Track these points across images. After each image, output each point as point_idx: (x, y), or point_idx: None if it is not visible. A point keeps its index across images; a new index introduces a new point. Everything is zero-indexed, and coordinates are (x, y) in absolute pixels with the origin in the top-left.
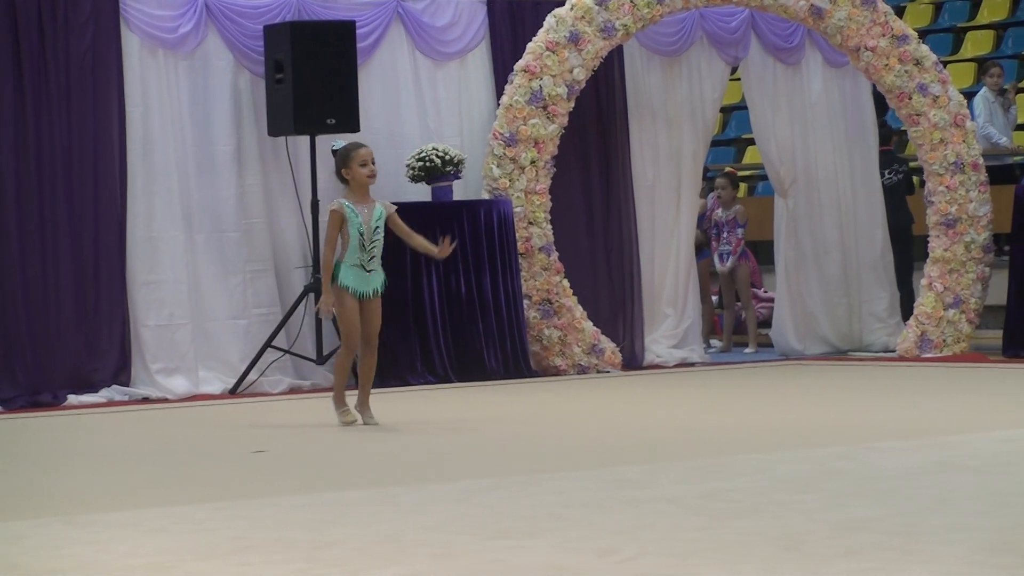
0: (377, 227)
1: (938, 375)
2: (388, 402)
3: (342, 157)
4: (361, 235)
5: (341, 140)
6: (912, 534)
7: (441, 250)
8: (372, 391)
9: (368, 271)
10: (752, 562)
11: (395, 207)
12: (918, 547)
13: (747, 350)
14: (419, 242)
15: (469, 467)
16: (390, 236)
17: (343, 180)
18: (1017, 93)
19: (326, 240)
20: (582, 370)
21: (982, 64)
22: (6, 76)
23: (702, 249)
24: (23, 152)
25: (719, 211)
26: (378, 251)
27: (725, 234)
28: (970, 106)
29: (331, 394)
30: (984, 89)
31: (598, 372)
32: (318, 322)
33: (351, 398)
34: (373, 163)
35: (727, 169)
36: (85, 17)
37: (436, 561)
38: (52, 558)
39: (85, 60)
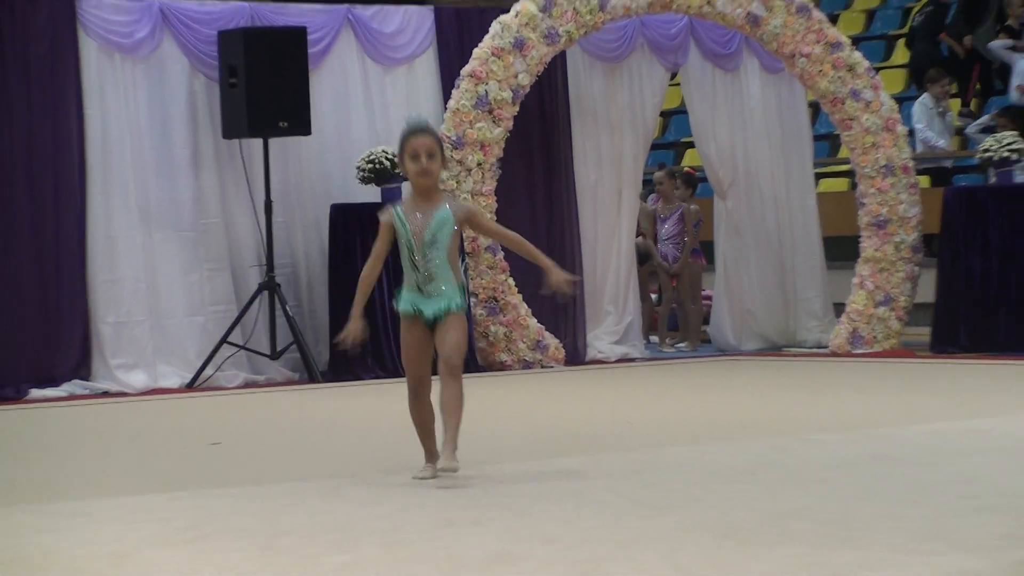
0: (434, 239)
1: (869, 370)
2: (341, 397)
3: (398, 146)
4: (410, 250)
5: (416, 116)
6: (844, 522)
7: (559, 283)
8: (336, 386)
9: (425, 295)
10: (691, 550)
11: (473, 208)
12: (850, 534)
13: (679, 344)
14: (527, 250)
15: (418, 459)
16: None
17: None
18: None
19: (371, 254)
20: (527, 365)
21: (915, 71)
22: None
23: (645, 258)
24: None
25: (659, 204)
26: (439, 269)
27: (667, 227)
28: (910, 111)
29: (283, 388)
30: (925, 96)
31: (542, 367)
32: (272, 319)
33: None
34: (429, 156)
35: (684, 168)
36: (43, 22)
37: (385, 549)
38: (15, 546)
39: (44, 64)
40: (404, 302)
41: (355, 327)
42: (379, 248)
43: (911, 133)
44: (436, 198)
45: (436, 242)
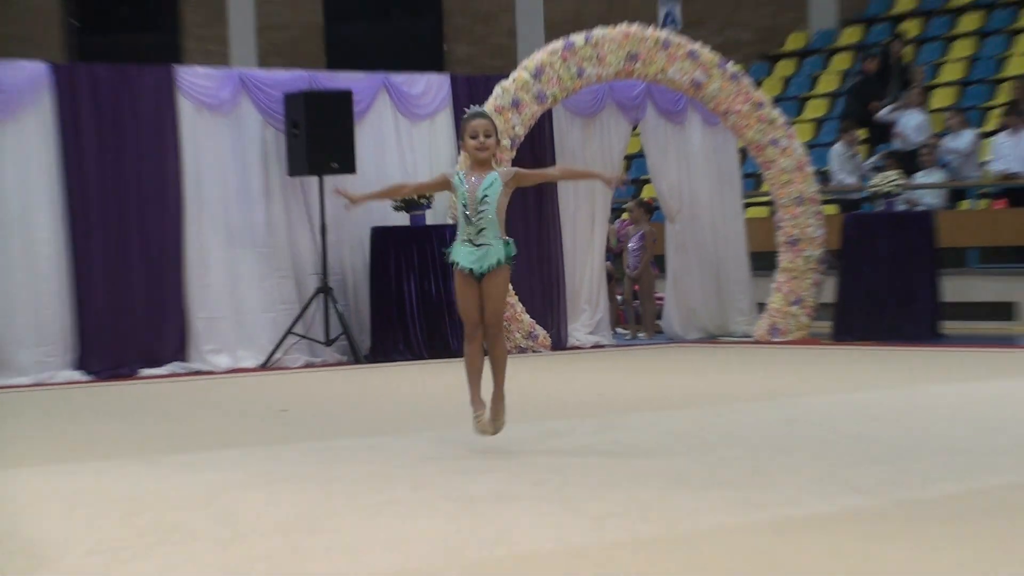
0: (485, 196)
1: (784, 354)
2: (379, 375)
3: (461, 128)
4: (465, 206)
5: (476, 107)
6: (764, 471)
7: (611, 181)
8: (376, 366)
9: (477, 246)
10: (648, 491)
11: (516, 169)
12: (769, 480)
13: (641, 334)
14: (576, 171)
15: (438, 420)
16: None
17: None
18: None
19: (415, 182)
20: (521, 350)
21: (822, 123)
22: (90, 132)
23: (609, 279)
24: (105, 189)
25: (631, 228)
26: (488, 223)
27: (632, 243)
28: (817, 156)
29: (335, 368)
30: (839, 144)
31: (533, 352)
32: (326, 315)
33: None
34: (486, 135)
35: (646, 199)
36: (149, 87)
37: (413, 491)
38: (129, 488)
39: (150, 119)
40: (459, 256)
41: (356, 196)
42: (422, 183)
43: (819, 172)
44: (488, 168)
45: (487, 198)
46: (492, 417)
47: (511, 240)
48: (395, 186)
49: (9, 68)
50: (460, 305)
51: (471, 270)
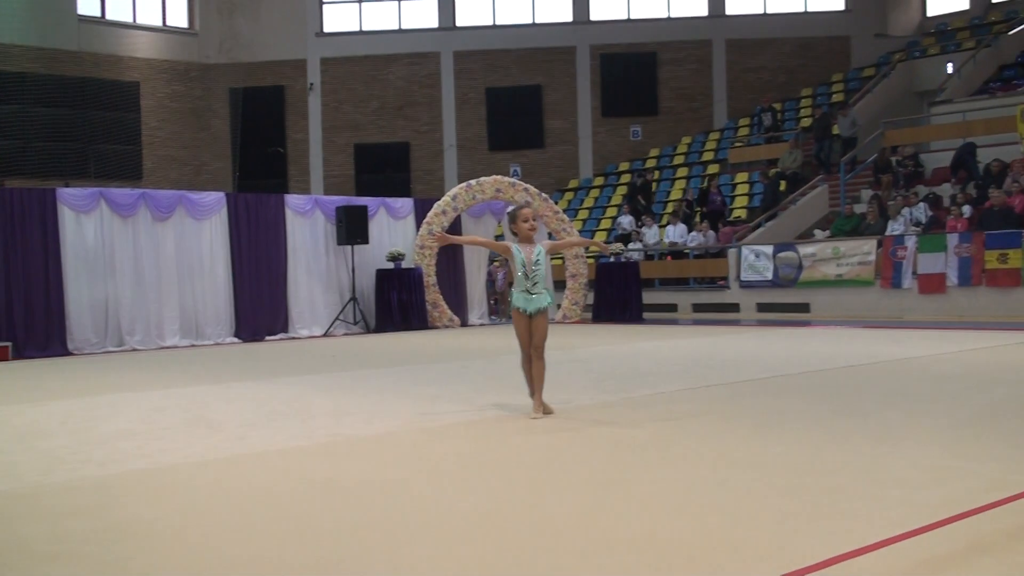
0: (537, 260)
1: (570, 329)
2: (381, 339)
3: (511, 217)
4: (524, 267)
5: (512, 205)
6: (564, 384)
7: (608, 249)
8: (378, 335)
9: (532, 295)
10: (525, 394)
11: (548, 242)
12: (566, 388)
13: (502, 319)
14: (584, 241)
15: (409, 360)
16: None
17: (514, 234)
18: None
19: (485, 238)
20: (445, 327)
21: (585, 222)
22: (244, 225)
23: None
24: (250, 252)
25: (498, 269)
26: (540, 279)
27: (499, 277)
28: (589, 234)
29: (356, 335)
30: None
31: (446, 327)
32: (354, 310)
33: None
34: (534, 219)
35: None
36: (272, 204)
37: (395, 393)
38: (258, 393)
39: (272, 219)
40: (519, 302)
41: (445, 237)
42: (490, 241)
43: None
44: (533, 243)
45: (538, 262)
46: (543, 410)
47: (551, 291)
48: (471, 238)
49: (207, 196)
50: (519, 333)
51: (526, 310)
